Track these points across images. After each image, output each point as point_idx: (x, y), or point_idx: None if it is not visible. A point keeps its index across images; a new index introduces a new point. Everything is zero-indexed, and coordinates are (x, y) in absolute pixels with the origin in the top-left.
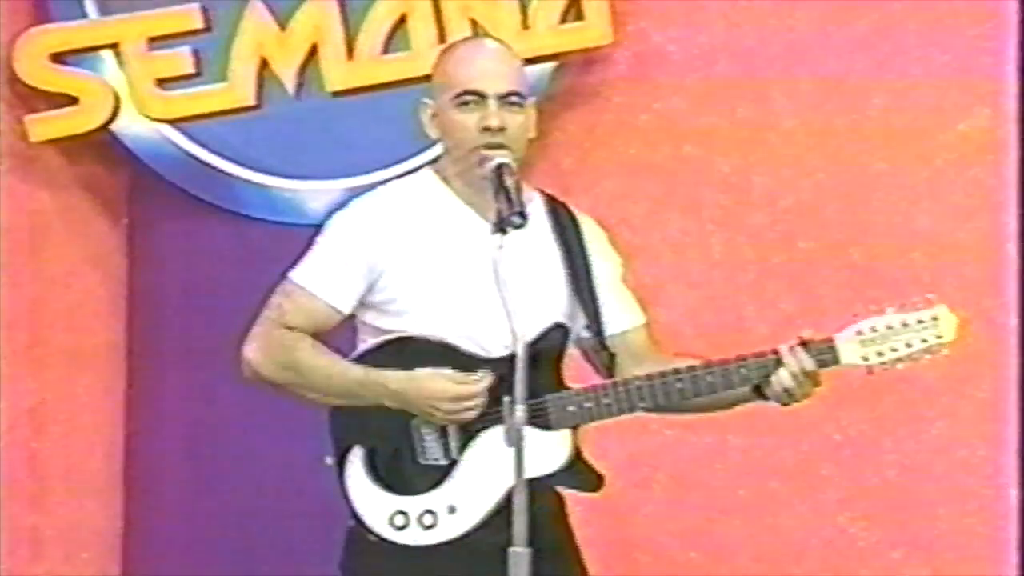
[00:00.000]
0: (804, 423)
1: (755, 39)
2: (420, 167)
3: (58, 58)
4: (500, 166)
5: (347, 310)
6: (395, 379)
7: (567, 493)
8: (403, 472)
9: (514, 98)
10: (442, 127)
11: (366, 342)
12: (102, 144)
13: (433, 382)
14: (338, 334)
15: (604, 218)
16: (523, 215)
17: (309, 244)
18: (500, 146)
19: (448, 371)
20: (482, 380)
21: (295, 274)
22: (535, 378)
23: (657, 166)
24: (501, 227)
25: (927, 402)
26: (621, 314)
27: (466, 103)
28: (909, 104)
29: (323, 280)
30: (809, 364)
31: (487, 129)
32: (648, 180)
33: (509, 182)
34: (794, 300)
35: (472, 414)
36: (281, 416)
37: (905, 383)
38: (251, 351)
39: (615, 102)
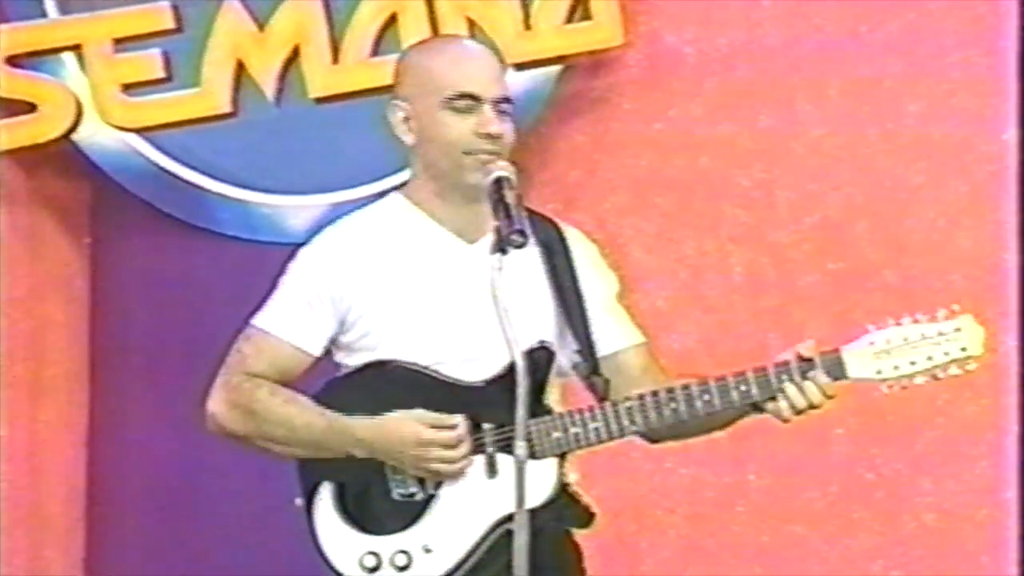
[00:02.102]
0: (833, 461)
1: (779, 40)
2: (387, 191)
3: (14, 61)
4: (500, 180)
5: (316, 351)
6: (361, 426)
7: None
8: (375, 509)
9: (505, 105)
10: (423, 131)
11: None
12: (63, 155)
13: (402, 426)
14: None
15: (613, 236)
16: (524, 234)
17: (273, 287)
18: (498, 155)
19: (420, 412)
20: (458, 427)
21: (258, 319)
22: (517, 403)
23: (671, 179)
24: (501, 247)
25: (969, 439)
26: (614, 334)
27: (458, 108)
28: (948, 111)
29: (286, 321)
30: (820, 377)
31: (486, 136)
32: (661, 195)
33: (509, 197)
34: (822, 326)
35: (445, 467)
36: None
37: (944, 416)
38: (212, 403)
39: (625, 109)
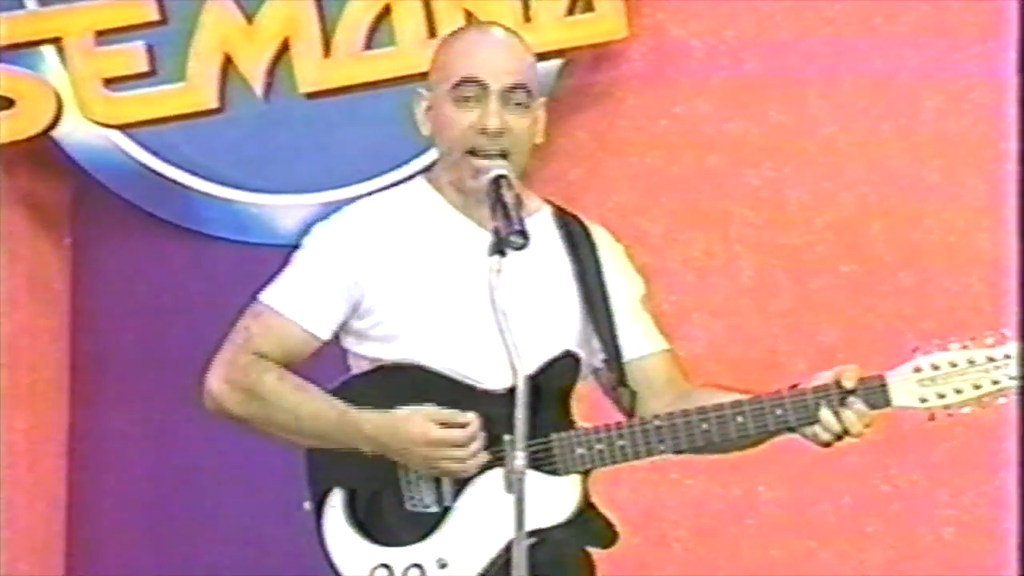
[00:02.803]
0: (846, 472)
1: (789, 33)
2: (412, 176)
3: None
4: (497, 179)
5: (326, 336)
6: (370, 421)
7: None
8: (388, 520)
9: (519, 94)
10: (436, 124)
11: (351, 372)
12: (42, 153)
13: (410, 424)
14: (326, 356)
15: (616, 237)
16: (524, 234)
17: (282, 266)
18: (498, 155)
19: (431, 408)
20: (470, 425)
21: (266, 294)
22: (539, 415)
23: (677, 178)
24: (499, 248)
25: (989, 448)
26: (640, 338)
27: (465, 97)
28: (966, 107)
29: (298, 301)
30: (860, 406)
31: (484, 131)
32: (667, 194)
33: (507, 197)
34: (835, 331)
35: (455, 467)
36: (246, 465)
37: (963, 426)
38: (214, 379)
39: (629, 105)
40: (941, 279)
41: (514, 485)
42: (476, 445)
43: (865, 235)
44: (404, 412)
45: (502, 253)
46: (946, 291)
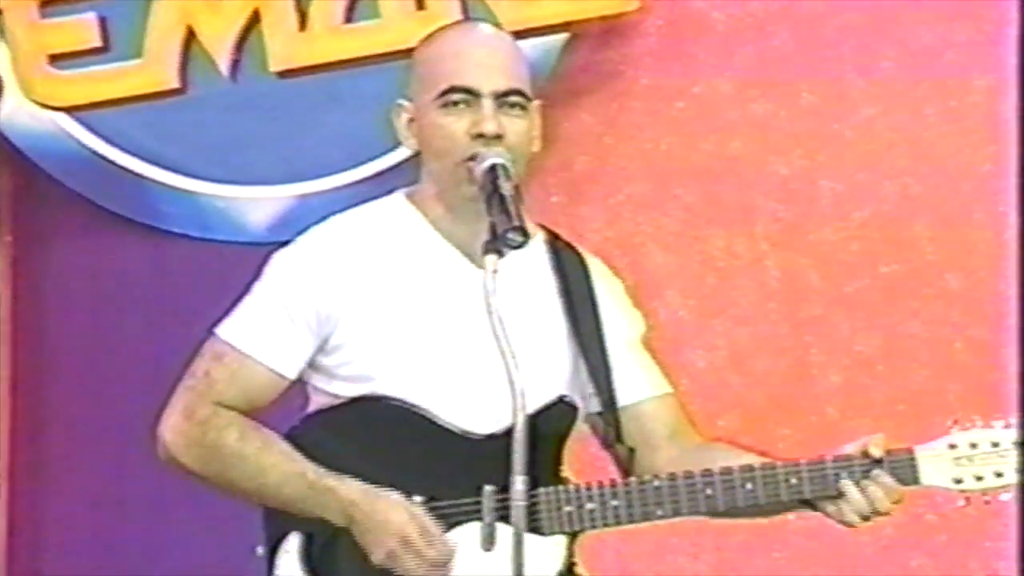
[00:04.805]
0: None
1: (823, 3)
2: (383, 171)
3: None
4: (494, 167)
5: (293, 376)
6: (349, 491)
7: None
8: (349, 571)
9: (515, 98)
10: (421, 135)
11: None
12: None
13: (392, 511)
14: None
15: (627, 234)
16: (524, 231)
17: (257, 272)
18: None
19: (418, 510)
20: (445, 548)
21: (227, 331)
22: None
23: (696, 168)
24: (496, 247)
25: None
26: (638, 381)
27: (454, 103)
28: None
29: (263, 338)
30: (885, 479)
31: (480, 136)
32: (684, 185)
33: (505, 188)
34: (873, 341)
35: (413, 571)
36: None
37: None
38: (168, 430)
39: (642, 85)
40: (994, 281)
41: (514, 539)
42: (442, 570)
43: (908, 232)
44: (391, 496)
45: (499, 253)
46: (999, 295)
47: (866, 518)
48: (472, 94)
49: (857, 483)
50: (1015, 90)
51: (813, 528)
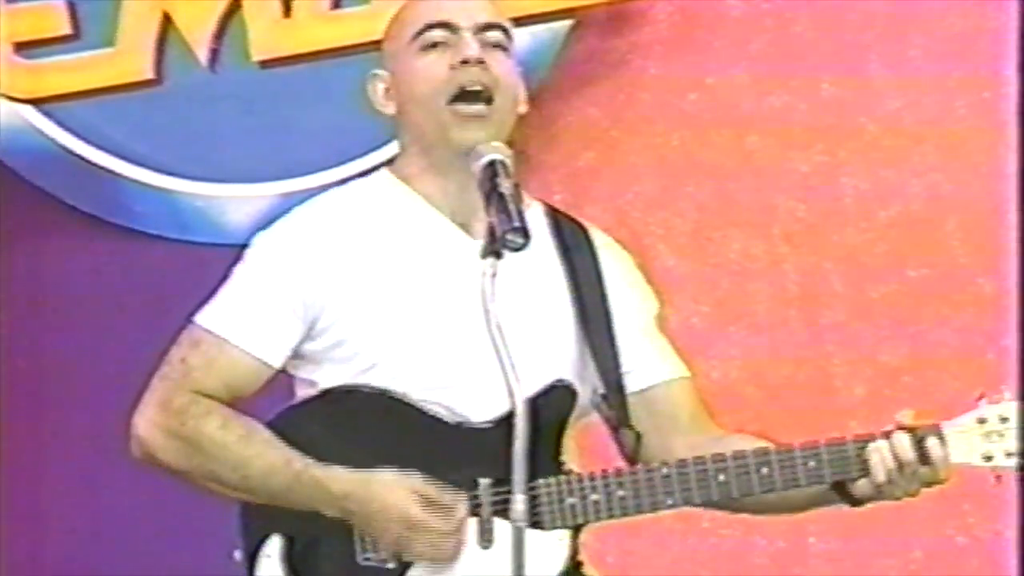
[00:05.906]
0: (914, 520)
1: None
2: (375, 167)
3: None
4: (492, 164)
5: (278, 363)
6: (339, 480)
7: None
8: (334, 573)
9: (496, 33)
10: (400, 91)
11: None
12: None
13: (389, 494)
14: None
15: (636, 235)
16: (525, 233)
17: (228, 273)
18: (481, 95)
19: (416, 481)
20: (455, 513)
21: (204, 317)
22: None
23: (709, 164)
24: (495, 249)
25: None
26: (653, 364)
27: (432, 45)
28: None
29: (244, 323)
30: (907, 453)
31: (464, 63)
32: (697, 183)
33: (504, 186)
34: (900, 349)
35: (431, 553)
36: (190, 510)
37: None
38: (143, 424)
39: (652, 75)
40: None
41: (514, 536)
42: (461, 533)
43: (937, 233)
44: (385, 477)
45: (497, 255)
46: None
47: (906, 492)
48: (451, 29)
49: (881, 449)
50: (1015, 90)
51: (835, 552)
